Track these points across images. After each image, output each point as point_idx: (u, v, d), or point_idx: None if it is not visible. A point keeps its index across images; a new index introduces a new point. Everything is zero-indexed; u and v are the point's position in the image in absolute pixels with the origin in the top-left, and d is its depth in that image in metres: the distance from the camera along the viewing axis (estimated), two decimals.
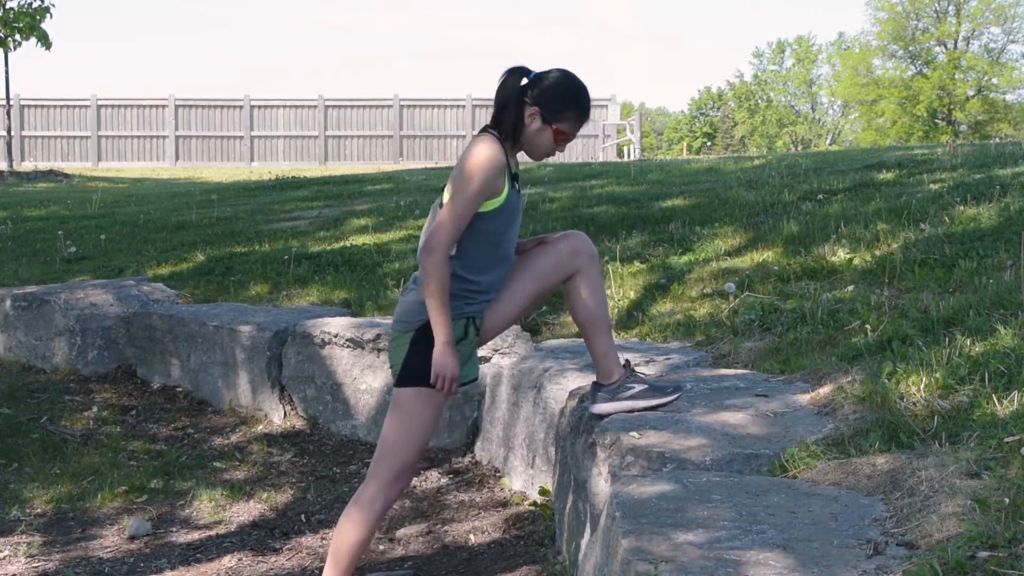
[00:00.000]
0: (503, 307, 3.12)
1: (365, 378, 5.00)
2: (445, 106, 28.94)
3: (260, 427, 5.24)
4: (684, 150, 50.04)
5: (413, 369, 3.00)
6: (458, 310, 3.01)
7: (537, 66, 3.10)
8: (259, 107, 28.80)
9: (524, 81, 3.03)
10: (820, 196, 7.03)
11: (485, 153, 2.95)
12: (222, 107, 28.81)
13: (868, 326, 3.84)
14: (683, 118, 66.82)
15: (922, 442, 2.72)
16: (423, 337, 2.98)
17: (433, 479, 4.47)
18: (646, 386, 3.27)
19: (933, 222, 5.47)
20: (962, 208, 5.68)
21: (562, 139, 3.05)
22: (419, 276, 3.02)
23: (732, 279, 5.03)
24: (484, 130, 3.04)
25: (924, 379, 3.07)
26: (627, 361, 3.29)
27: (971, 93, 40.02)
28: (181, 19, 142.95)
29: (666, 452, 2.89)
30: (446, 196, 3.00)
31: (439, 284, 2.93)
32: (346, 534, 3.09)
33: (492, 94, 3.09)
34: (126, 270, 7.23)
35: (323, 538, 3.91)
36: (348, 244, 7.41)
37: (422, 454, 3.13)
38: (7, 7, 18.15)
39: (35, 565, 3.66)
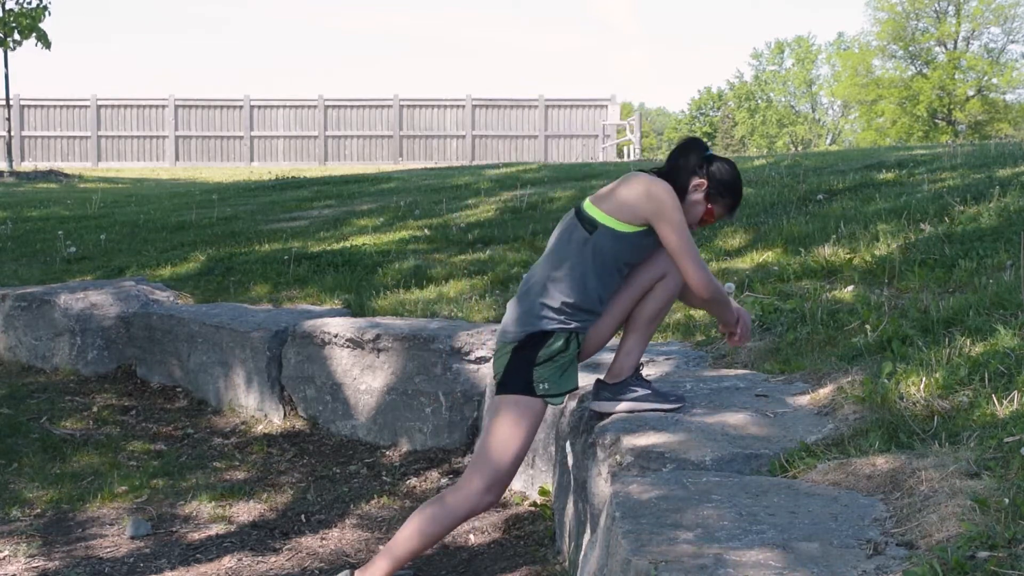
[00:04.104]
0: (606, 319, 3.20)
1: (365, 378, 5.00)
2: (445, 106, 28.94)
3: (260, 427, 5.24)
4: None
5: (513, 377, 3.09)
6: (561, 324, 3.09)
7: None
8: (259, 107, 28.82)
9: (701, 153, 3.19)
10: (820, 196, 7.03)
11: (669, 187, 3.10)
12: (222, 107, 28.82)
13: (868, 326, 3.84)
14: (683, 118, 66.77)
15: (922, 442, 2.72)
16: (524, 347, 3.08)
17: (433, 479, 4.47)
18: (649, 391, 3.29)
19: (933, 222, 5.47)
20: (962, 208, 5.68)
21: (709, 218, 3.20)
22: (523, 291, 3.16)
23: (732, 279, 5.03)
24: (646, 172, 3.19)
25: (924, 379, 3.07)
26: (639, 364, 3.32)
27: (971, 93, 40.01)
28: (181, 19, 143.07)
29: (666, 452, 2.89)
30: (606, 216, 3.09)
31: (719, 287, 3.21)
32: (417, 527, 3.14)
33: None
34: (126, 270, 7.23)
35: (323, 538, 3.91)
36: (348, 244, 7.41)
37: (517, 467, 3.16)
38: (6, 8, 18.15)
39: (35, 565, 3.66)
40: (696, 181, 3.15)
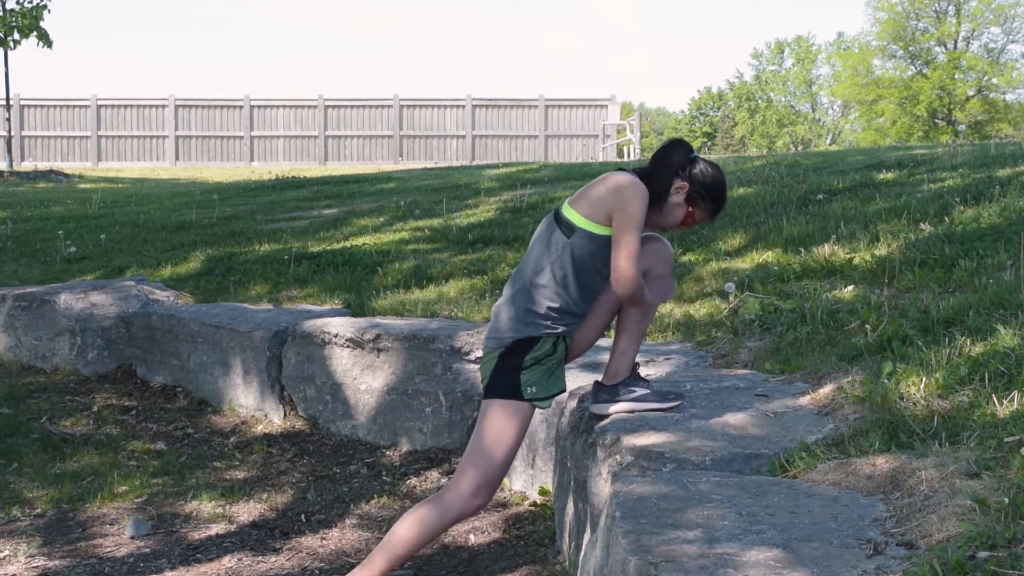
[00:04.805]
0: (592, 320, 3.20)
1: (365, 378, 5.00)
2: (445, 106, 28.93)
3: (260, 427, 5.24)
4: None
5: (500, 382, 3.10)
6: (548, 328, 3.09)
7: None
8: (259, 107, 28.81)
9: (685, 155, 3.16)
10: (820, 196, 7.04)
11: (640, 185, 3.07)
12: (222, 107, 28.82)
13: (868, 326, 3.84)
14: (683, 118, 66.75)
15: (922, 442, 2.73)
16: (511, 352, 3.08)
17: (433, 479, 4.48)
18: (648, 390, 3.29)
19: (933, 222, 5.47)
20: (962, 208, 5.68)
21: (690, 220, 3.18)
22: (507, 297, 3.14)
23: (732, 279, 5.03)
24: (627, 172, 3.16)
25: (924, 379, 3.07)
26: (636, 364, 3.32)
27: (971, 93, 40.01)
28: (181, 19, 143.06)
29: (666, 452, 2.89)
30: (582, 219, 3.09)
31: (640, 291, 3.12)
32: (407, 530, 3.14)
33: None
34: (126, 270, 7.23)
35: (323, 538, 3.91)
36: (348, 244, 7.41)
37: (506, 470, 3.18)
38: (7, 7, 18.16)
39: (35, 565, 3.66)
40: (678, 183, 3.13)
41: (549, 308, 3.08)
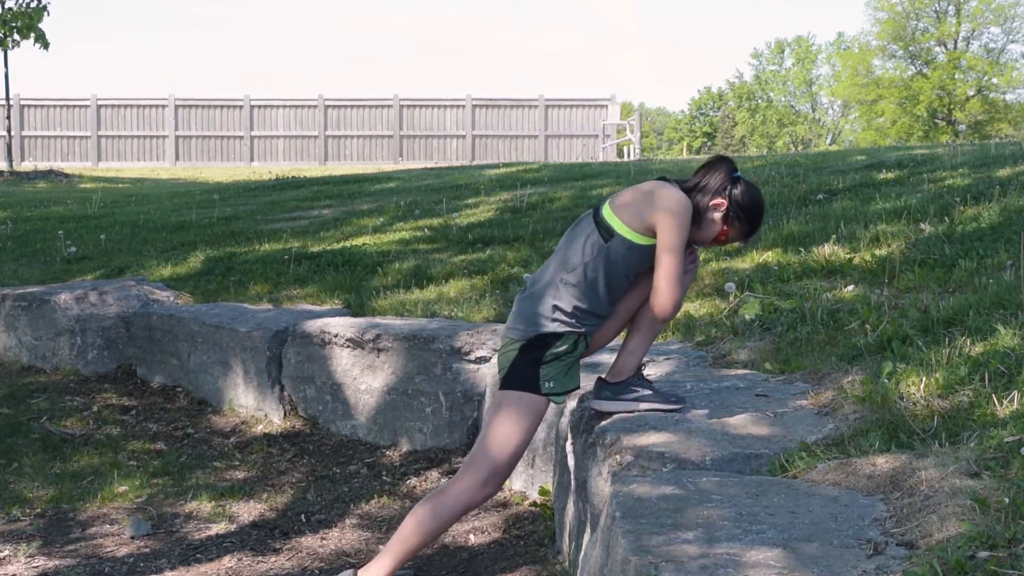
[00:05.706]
0: (612, 320, 3.23)
1: (365, 378, 5.00)
2: (445, 106, 28.94)
3: (260, 427, 5.24)
4: (684, 150, 50.04)
5: (518, 374, 3.12)
6: (572, 327, 3.11)
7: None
8: (259, 107, 28.82)
9: (728, 174, 3.17)
10: (820, 196, 7.04)
11: (687, 202, 3.07)
12: (222, 107, 28.83)
13: (868, 326, 3.84)
14: (683, 118, 66.74)
15: (922, 442, 2.73)
16: (533, 346, 3.10)
17: (433, 479, 4.48)
18: (650, 391, 3.30)
19: (933, 222, 5.47)
20: (962, 208, 5.68)
21: (723, 238, 3.18)
22: (533, 289, 3.17)
23: (732, 279, 5.03)
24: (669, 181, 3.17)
25: (924, 379, 3.07)
26: (641, 364, 3.33)
27: (971, 93, 40.01)
28: (181, 19, 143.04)
29: (666, 452, 2.89)
30: (623, 227, 3.07)
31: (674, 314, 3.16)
32: (419, 521, 3.16)
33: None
34: (126, 270, 7.23)
35: (323, 538, 3.91)
36: (348, 244, 7.41)
37: (516, 462, 3.19)
38: (5, 7, 18.15)
39: (35, 565, 3.66)
40: (717, 200, 3.14)
41: (576, 307, 3.10)
